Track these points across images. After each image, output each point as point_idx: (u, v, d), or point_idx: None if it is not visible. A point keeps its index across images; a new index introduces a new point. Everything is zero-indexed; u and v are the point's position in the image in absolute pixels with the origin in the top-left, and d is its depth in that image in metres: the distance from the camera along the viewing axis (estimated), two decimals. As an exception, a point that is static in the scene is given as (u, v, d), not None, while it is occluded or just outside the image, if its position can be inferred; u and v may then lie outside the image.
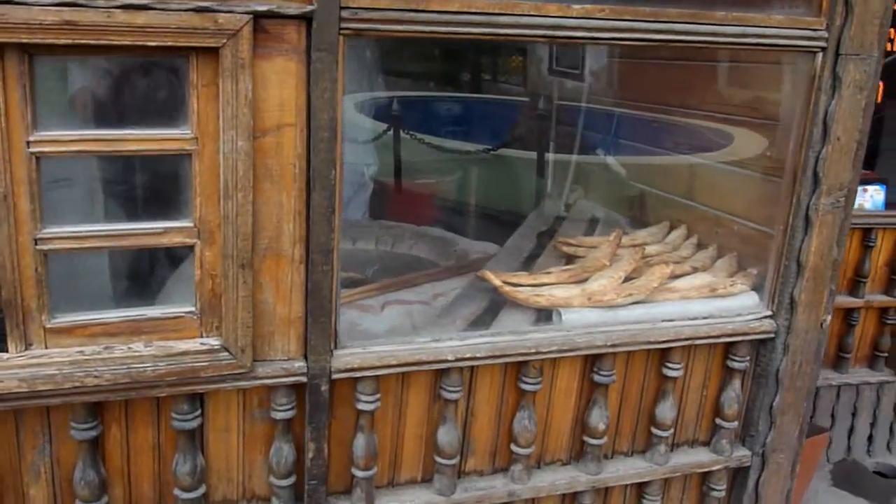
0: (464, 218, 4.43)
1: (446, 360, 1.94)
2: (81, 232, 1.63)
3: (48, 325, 1.66)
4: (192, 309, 1.75)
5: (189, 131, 1.64)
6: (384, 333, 2.26)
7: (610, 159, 3.67)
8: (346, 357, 1.86)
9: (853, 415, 4.04)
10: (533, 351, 2.00)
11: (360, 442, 1.95)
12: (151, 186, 1.91)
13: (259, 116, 1.64)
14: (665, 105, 3.54)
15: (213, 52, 1.58)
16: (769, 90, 2.56)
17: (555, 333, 2.05)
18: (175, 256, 2.17)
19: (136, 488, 1.86)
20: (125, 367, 1.68)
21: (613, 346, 2.08)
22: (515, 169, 4.73)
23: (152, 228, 1.68)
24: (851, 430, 4.06)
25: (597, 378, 2.12)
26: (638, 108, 3.78)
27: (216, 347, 1.74)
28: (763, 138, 2.59)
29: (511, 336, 2.01)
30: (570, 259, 2.64)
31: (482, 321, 2.20)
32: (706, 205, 2.82)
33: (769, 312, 2.26)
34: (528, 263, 2.72)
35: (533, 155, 4.43)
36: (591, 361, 2.13)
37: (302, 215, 1.75)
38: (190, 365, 1.72)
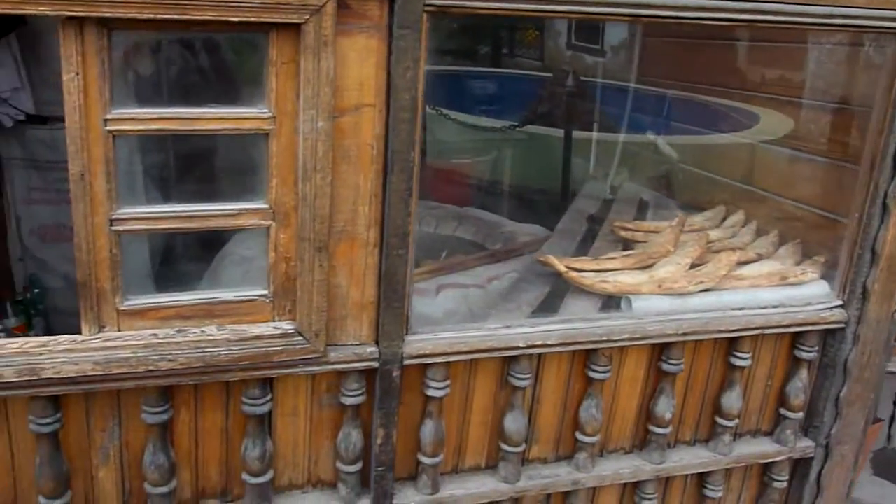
0: (501, 198, 4.37)
1: (517, 347, 1.90)
2: (156, 213, 1.59)
3: (121, 308, 1.62)
4: (265, 292, 1.71)
5: (267, 110, 1.59)
6: (441, 318, 2.23)
7: (657, 139, 3.60)
8: (418, 343, 1.83)
9: (895, 403, 3.99)
10: (604, 339, 1.96)
11: (428, 428, 1.91)
12: (225, 167, 1.87)
13: (338, 96, 1.59)
14: (705, 84, 3.47)
15: (294, 29, 1.52)
16: (838, 72, 2.48)
17: (626, 321, 2.00)
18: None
19: (204, 472, 1.84)
20: (199, 350, 1.64)
21: (684, 334, 2.03)
22: (546, 147, 4.65)
23: (227, 210, 1.63)
24: (893, 419, 4.01)
25: (665, 367, 2.08)
26: (674, 86, 3.71)
27: (290, 332, 1.70)
28: (824, 121, 2.53)
29: (581, 323, 1.97)
30: (627, 244, 2.59)
31: (547, 307, 2.16)
32: (766, 189, 2.76)
33: (840, 302, 2.20)
34: (584, 247, 2.67)
35: (559, 132, 4.32)
36: (660, 350, 2.09)
37: (378, 198, 1.70)
38: (263, 349, 1.68)
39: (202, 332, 1.67)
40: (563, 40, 5.27)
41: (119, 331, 1.64)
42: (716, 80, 3.40)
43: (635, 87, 4.10)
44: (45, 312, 3.54)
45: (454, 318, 2.25)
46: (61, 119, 3.31)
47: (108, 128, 1.50)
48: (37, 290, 3.50)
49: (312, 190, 1.61)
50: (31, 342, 1.59)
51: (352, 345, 1.79)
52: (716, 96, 3.54)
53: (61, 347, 1.58)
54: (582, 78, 4.33)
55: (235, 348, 1.66)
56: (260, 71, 1.59)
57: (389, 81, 1.63)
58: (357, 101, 1.62)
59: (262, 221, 1.66)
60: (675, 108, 3.77)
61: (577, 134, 4.30)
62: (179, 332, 1.65)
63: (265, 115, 1.59)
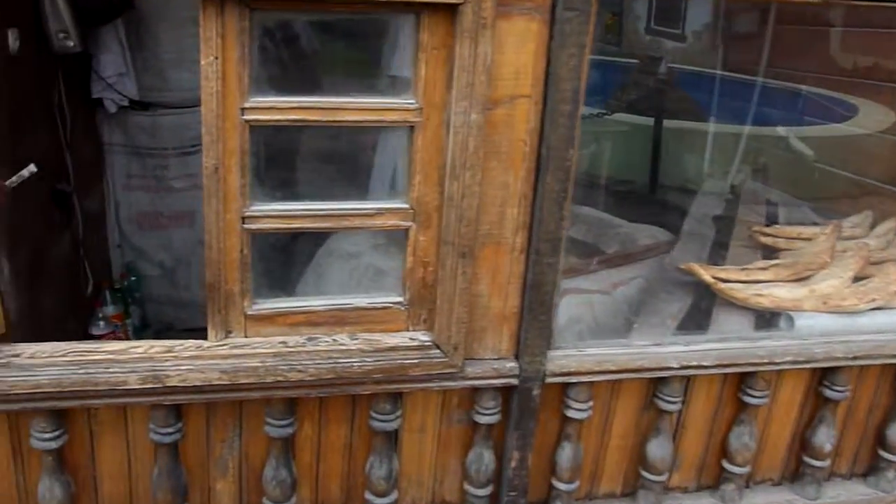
0: (606, 195, 4.14)
1: (669, 368, 1.71)
2: (289, 211, 1.46)
3: (249, 312, 1.50)
4: (400, 299, 1.57)
5: (414, 101, 1.43)
6: (564, 325, 2.05)
7: (785, 133, 3.32)
8: (562, 360, 1.66)
9: None
10: (765, 361, 1.75)
11: (565, 452, 1.74)
12: (360, 161, 1.73)
13: (492, 85, 1.43)
14: (796, 71, 3.19)
15: (448, 11, 1.36)
16: None
17: (789, 342, 1.79)
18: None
19: (324, 489, 1.71)
20: (331, 361, 1.51)
21: (854, 358, 1.80)
22: (639, 138, 4.39)
23: (365, 209, 1.49)
24: None
25: (828, 393, 1.86)
26: (763, 74, 3.44)
27: (427, 344, 1.55)
28: None
29: (740, 343, 1.77)
30: (768, 251, 2.36)
31: (692, 321, 1.96)
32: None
33: None
34: (717, 253, 2.45)
35: (649, 121, 4.04)
36: (821, 374, 1.86)
37: (528, 199, 1.53)
38: (399, 362, 1.54)
39: (334, 340, 1.53)
40: (643, 24, 5.02)
41: (246, 337, 1.51)
42: (807, 66, 3.13)
43: (723, 74, 3.84)
44: (141, 301, 3.50)
45: (578, 327, 2.07)
46: (163, 105, 3.27)
47: (244, 117, 1.37)
48: (133, 278, 3.46)
49: (460, 189, 1.45)
50: (155, 346, 1.48)
51: (490, 359, 1.63)
52: (808, 84, 3.27)
53: (187, 354, 1.47)
54: (670, 64, 4.08)
55: (369, 360, 1.52)
56: (407, 57, 1.44)
57: (548, 70, 1.45)
58: (512, 91, 1.45)
59: (402, 222, 1.51)
60: (769, 96, 3.50)
61: (659, 122, 4.02)
62: (310, 340, 1.52)
63: (412, 107, 1.43)
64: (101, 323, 3.07)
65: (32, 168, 1.81)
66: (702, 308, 1.99)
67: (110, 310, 3.14)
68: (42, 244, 2.53)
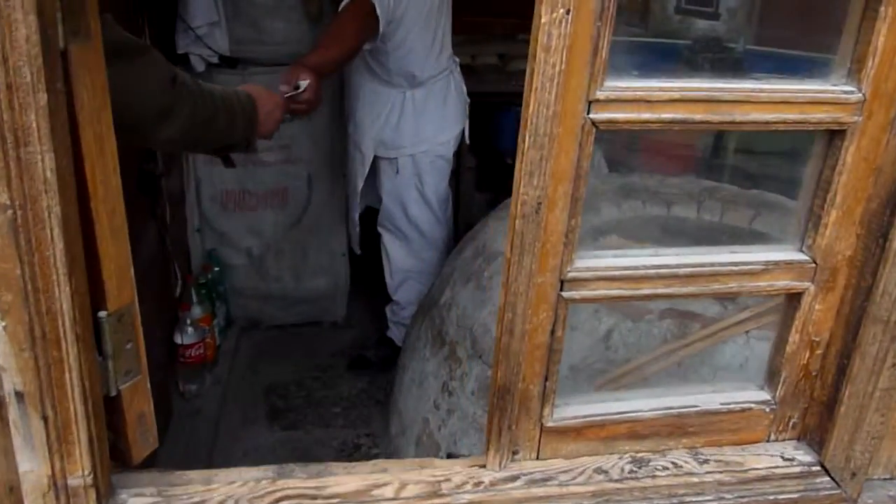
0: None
1: None
2: (629, 269, 0.89)
3: (549, 424, 0.94)
4: (768, 397, 1.00)
5: (854, 90, 0.84)
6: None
7: None
8: None
9: None
10: None
11: None
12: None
13: None
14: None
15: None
16: None
17: None
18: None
19: None
20: (674, 500, 0.95)
21: None
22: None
23: (747, 264, 0.91)
24: None
25: None
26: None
27: (811, 468, 0.99)
28: None
29: None
30: None
31: None
32: None
33: None
34: None
35: None
36: None
37: None
38: (771, 498, 0.98)
39: (674, 465, 0.97)
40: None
41: (539, 459, 0.96)
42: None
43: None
44: (224, 295, 2.96)
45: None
46: (255, 62, 2.66)
47: (592, 115, 0.79)
48: (216, 269, 2.91)
49: (916, 235, 0.87)
50: (407, 482, 0.93)
51: (881, 479, 1.07)
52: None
53: (464, 499, 0.91)
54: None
55: (728, 497, 0.97)
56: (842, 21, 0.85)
57: None
58: None
59: (795, 283, 0.93)
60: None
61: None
62: (638, 465, 0.97)
63: (851, 99, 0.84)
64: (190, 329, 2.53)
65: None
66: None
67: (197, 312, 2.61)
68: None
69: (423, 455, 2.13)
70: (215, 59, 2.56)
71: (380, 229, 2.71)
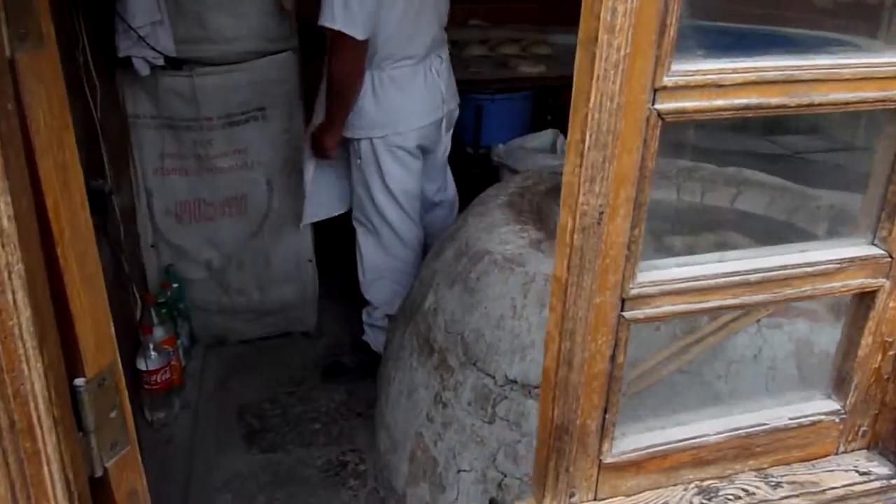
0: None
1: None
2: (695, 280, 0.77)
3: (608, 460, 0.82)
4: (837, 406, 0.90)
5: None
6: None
7: None
8: None
9: None
10: None
11: None
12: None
13: None
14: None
15: None
16: None
17: None
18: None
19: None
20: (750, 534, 0.85)
21: None
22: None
23: (808, 265, 0.81)
24: None
25: None
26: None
27: (890, 481, 0.90)
28: None
29: None
30: None
31: None
32: None
33: None
34: None
35: None
36: None
37: None
38: (852, 520, 0.88)
39: (746, 493, 0.86)
40: None
41: (597, 500, 0.84)
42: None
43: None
44: (186, 312, 2.77)
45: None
46: (201, 62, 2.48)
47: (657, 105, 0.67)
48: (176, 285, 2.72)
49: None
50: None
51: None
52: None
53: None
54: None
55: (808, 523, 0.87)
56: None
57: None
58: None
59: (869, 281, 0.83)
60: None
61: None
62: (707, 497, 0.86)
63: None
64: (154, 354, 2.35)
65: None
66: None
67: (160, 334, 2.42)
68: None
69: (418, 472, 2.01)
70: (160, 61, 2.37)
71: (354, 223, 2.59)
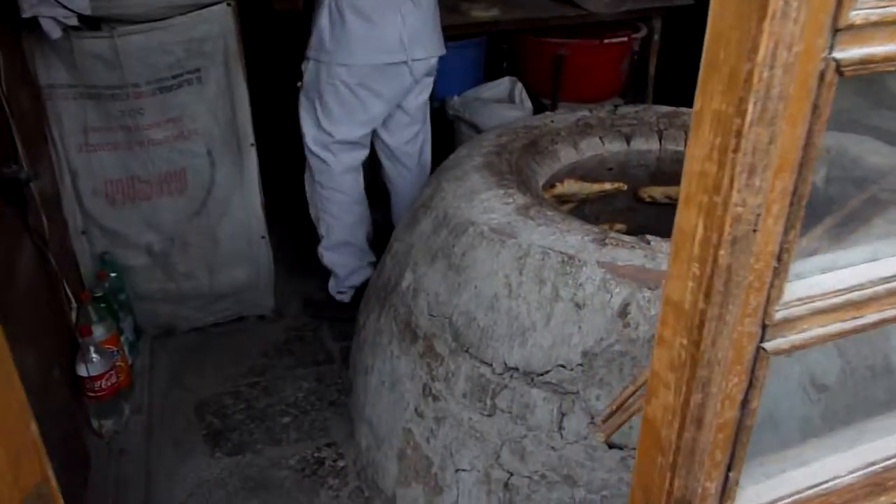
0: None
1: None
2: (844, 290, 0.57)
3: (730, 521, 0.63)
4: (982, 424, 0.73)
5: None
6: None
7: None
8: None
9: None
10: None
11: None
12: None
13: None
14: None
15: None
16: None
17: None
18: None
19: None
20: None
21: None
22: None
23: None
24: None
25: None
26: None
27: None
28: None
29: None
30: None
31: None
32: None
33: None
34: None
35: None
36: None
37: None
38: None
39: (888, 544, 0.68)
40: None
41: (713, 572, 0.65)
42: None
43: None
44: (127, 303, 2.49)
45: None
46: (123, 21, 2.13)
47: (836, 53, 0.45)
48: (114, 275, 2.43)
49: None
50: None
51: None
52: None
53: None
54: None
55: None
56: None
57: None
58: None
59: None
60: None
61: None
62: (844, 554, 0.67)
63: None
64: (95, 357, 2.08)
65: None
66: None
67: (101, 332, 2.14)
68: None
69: (409, 471, 1.81)
70: (74, 21, 2.03)
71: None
